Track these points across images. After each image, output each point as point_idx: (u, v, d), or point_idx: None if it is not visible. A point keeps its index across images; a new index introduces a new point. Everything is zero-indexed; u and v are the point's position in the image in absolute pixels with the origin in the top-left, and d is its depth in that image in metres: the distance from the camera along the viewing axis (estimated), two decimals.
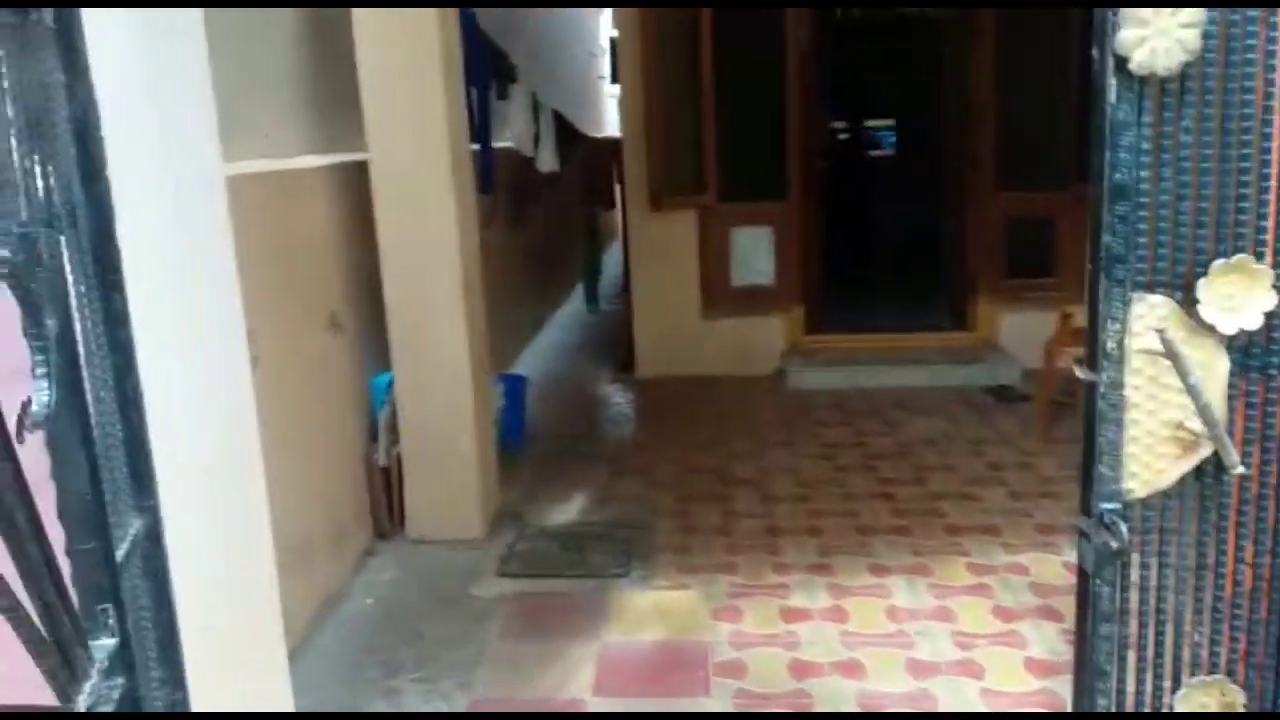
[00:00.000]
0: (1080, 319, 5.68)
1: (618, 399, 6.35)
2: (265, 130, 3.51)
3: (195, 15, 1.71)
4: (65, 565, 0.91)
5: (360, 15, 3.80)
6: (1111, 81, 1.52)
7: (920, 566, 3.80)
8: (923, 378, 6.33)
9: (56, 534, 0.90)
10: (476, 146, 5.02)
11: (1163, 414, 1.64)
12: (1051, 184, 6.29)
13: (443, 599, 3.64)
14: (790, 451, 5.16)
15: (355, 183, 3.96)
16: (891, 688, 3.00)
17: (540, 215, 8.15)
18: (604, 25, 10.49)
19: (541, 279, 8.37)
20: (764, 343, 6.70)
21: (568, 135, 7.69)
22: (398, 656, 3.25)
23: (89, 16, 1.11)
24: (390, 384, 4.08)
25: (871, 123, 11.46)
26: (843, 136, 11.01)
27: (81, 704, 0.90)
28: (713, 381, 6.51)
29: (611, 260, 10.28)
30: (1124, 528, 1.60)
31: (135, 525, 1.27)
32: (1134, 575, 1.68)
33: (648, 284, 6.70)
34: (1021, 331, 6.51)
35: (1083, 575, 1.68)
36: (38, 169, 0.96)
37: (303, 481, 3.50)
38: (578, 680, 3.08)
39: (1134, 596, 1.67)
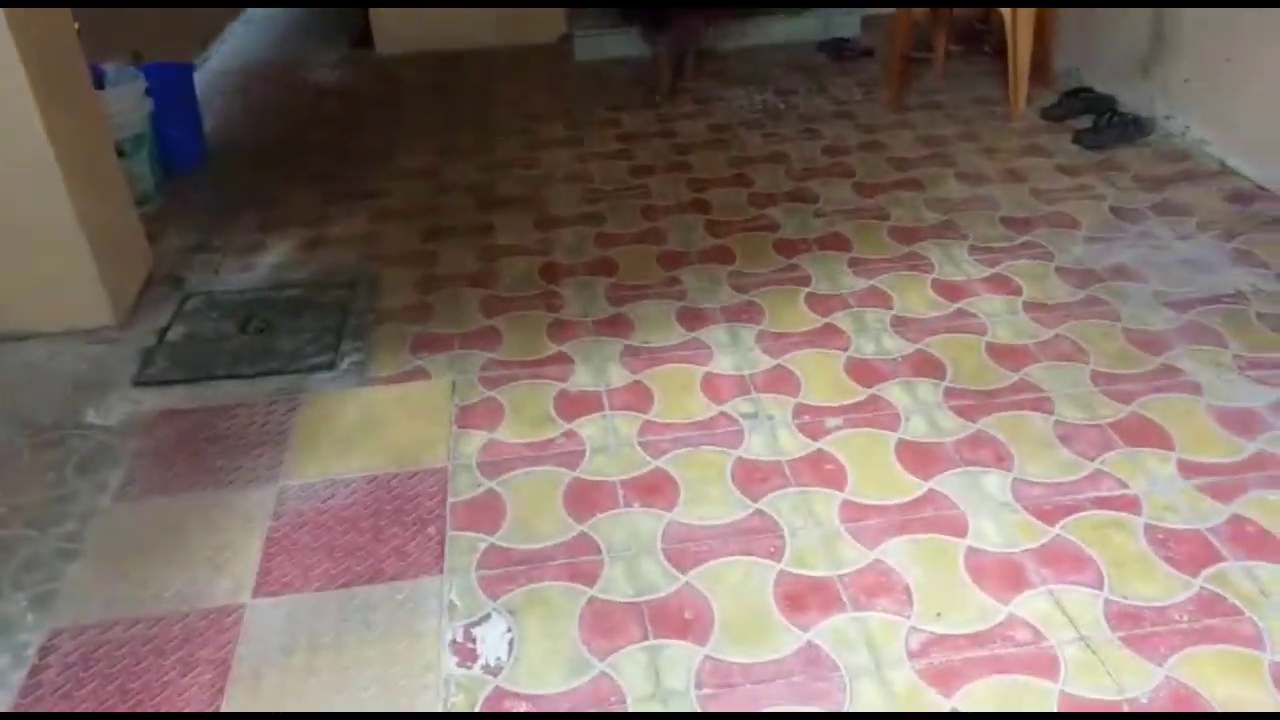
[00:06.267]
0: None
1: (345, 87, 4.75)
2: None
3: None
4: None
5: None
6: None
7: (746, 308, 2.77)
8: (740, 35, 5.00)
9: None
10: None
11: None
12: None
13: (38, 435, 2.35)
14: (575, 150, 3.88)
15: None
16: (716, 517, 2.03)
17: None
18: None
19: None
20: None
21: None
22: None
23: None
24: None
25: None
26: None
27: None
28: (478, 56, 4.98)
29: None
30: None
31: None
32: None
33: None
34: None
35: None
36: None
37: None
38: (232, 569, 1.95)
39: None
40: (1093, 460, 2.11)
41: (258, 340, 2.68)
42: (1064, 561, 1.85)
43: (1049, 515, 1.97)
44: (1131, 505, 1.98)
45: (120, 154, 3.09)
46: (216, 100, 4.42)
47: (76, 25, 2.84)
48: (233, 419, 2.39)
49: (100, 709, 1.68)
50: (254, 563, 1.96)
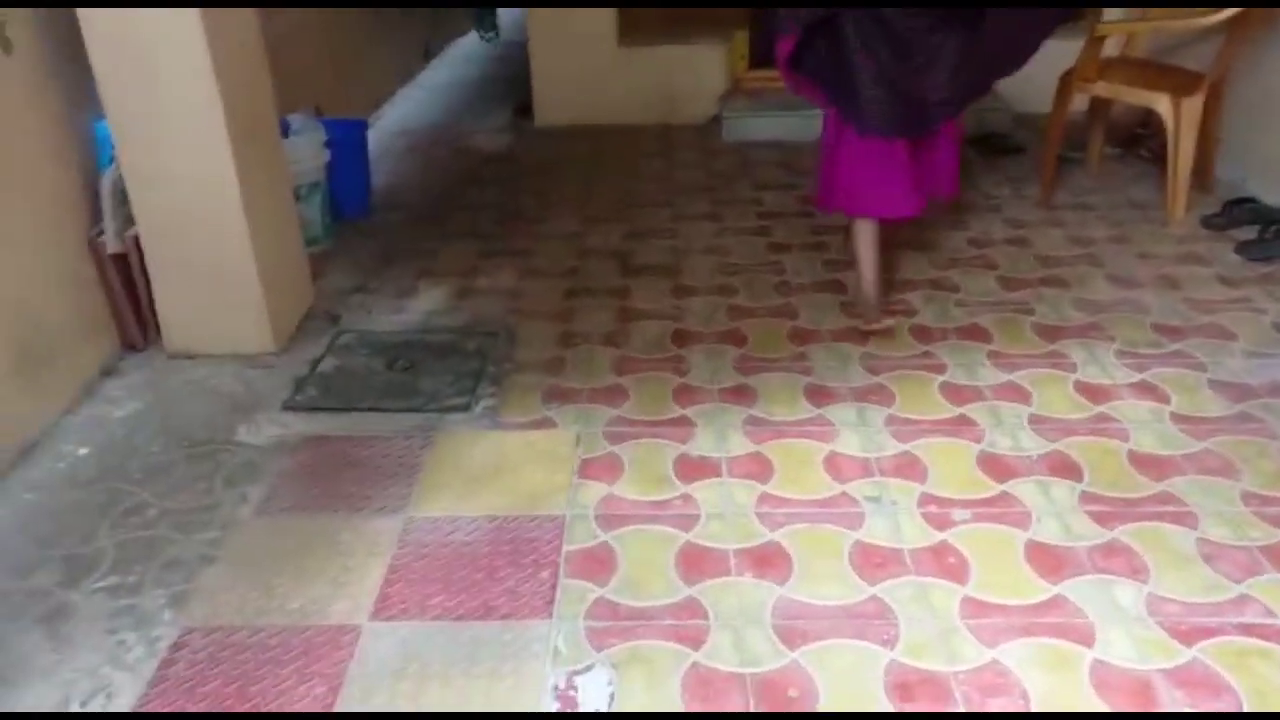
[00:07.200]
0: (1116, 44, 4.37)
1: (505, 153, 5.01)
2: None
3: None
4: None
5: None
6: None
7: (876, 390, 2.74)
8: None
9: None
10: None
11: None
12: None
13: (193, 448, 2.53)
14: (715, 225, 3.96)
15: None
16: (830, 596, 2.00)
17: None
18: None
19: None
20: (697, 80, 5.29)
21: None
22: (95, 546, 2.18)
23: None
24: None
25: None
26: None
27: None
28: (629, 132, 5.17)
29: None
30: None
31: None
32: None
33: None
34: None
35: None
36: None
37: None
38: (352, 590, 2.04)
39: None
40: (1239, 583, 1.97)
41: (402, 378, 2.82)
42: (1200, 686, 1.73)
43: (1186, 635, 1.85)
44: None
45: (296, 198, 3.34)
46: (388, 159, 4.74)
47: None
48: (370, 449, 2.51)
49: (218, 708, 1.77)
50: (375, 587, 2.04)
